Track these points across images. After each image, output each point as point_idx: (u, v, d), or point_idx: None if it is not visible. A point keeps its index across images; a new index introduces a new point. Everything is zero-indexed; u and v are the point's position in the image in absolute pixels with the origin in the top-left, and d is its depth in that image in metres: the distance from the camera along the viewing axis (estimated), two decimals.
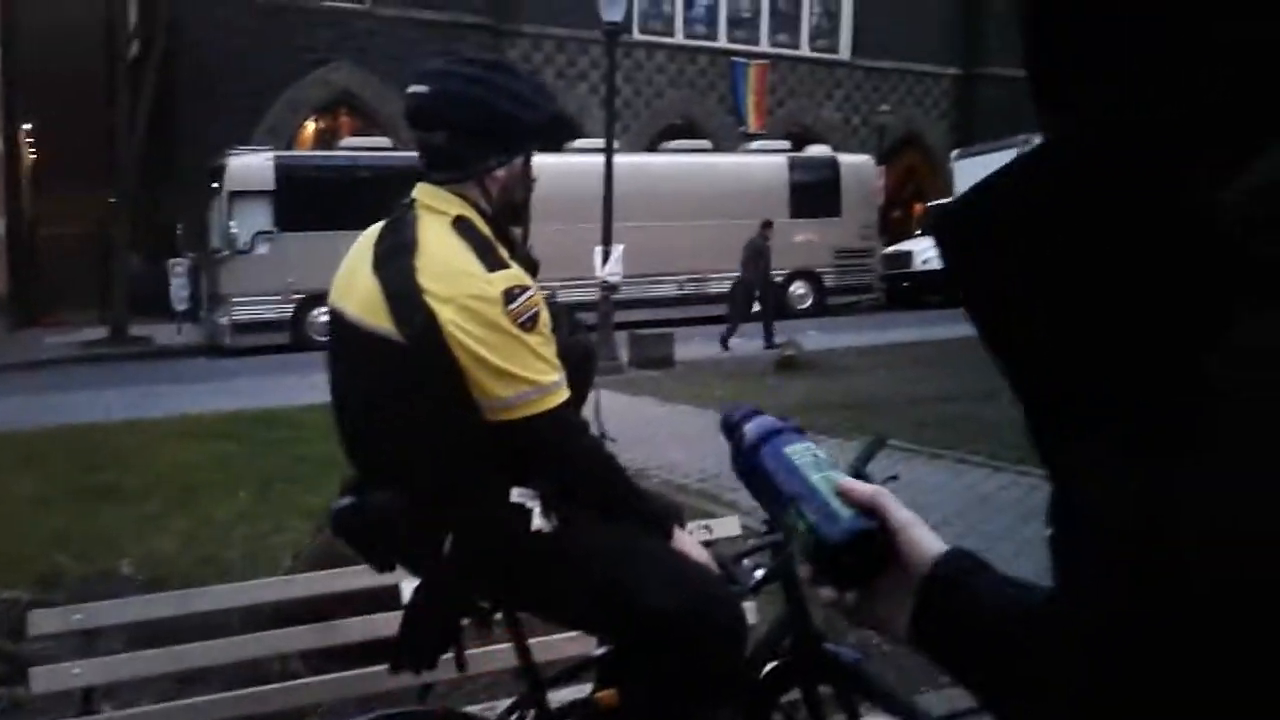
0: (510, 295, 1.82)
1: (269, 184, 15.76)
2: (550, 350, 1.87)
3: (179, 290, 17.45)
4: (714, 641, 1.88)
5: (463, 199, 1.94)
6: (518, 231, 2.06)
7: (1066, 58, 0.51)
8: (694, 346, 13.67)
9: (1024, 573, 0.72)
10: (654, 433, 8.29)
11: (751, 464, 0.88)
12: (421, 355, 1.80)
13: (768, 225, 15.82)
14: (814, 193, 19.95)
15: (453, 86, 1.93)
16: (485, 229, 1.92)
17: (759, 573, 2.12)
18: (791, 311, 19.46)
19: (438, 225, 1.89)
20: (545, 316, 1.87)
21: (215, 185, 16.03)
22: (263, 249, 15.74)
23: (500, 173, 1.97)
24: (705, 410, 9.20)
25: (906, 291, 21.10)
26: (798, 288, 20.11)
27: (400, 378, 1.84)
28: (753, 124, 25.03)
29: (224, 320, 15.88)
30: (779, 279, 19.80)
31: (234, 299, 15.71)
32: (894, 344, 13.97)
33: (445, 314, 1.80)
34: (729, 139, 23.91)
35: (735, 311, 15.10)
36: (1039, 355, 0.52)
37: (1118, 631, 0.46)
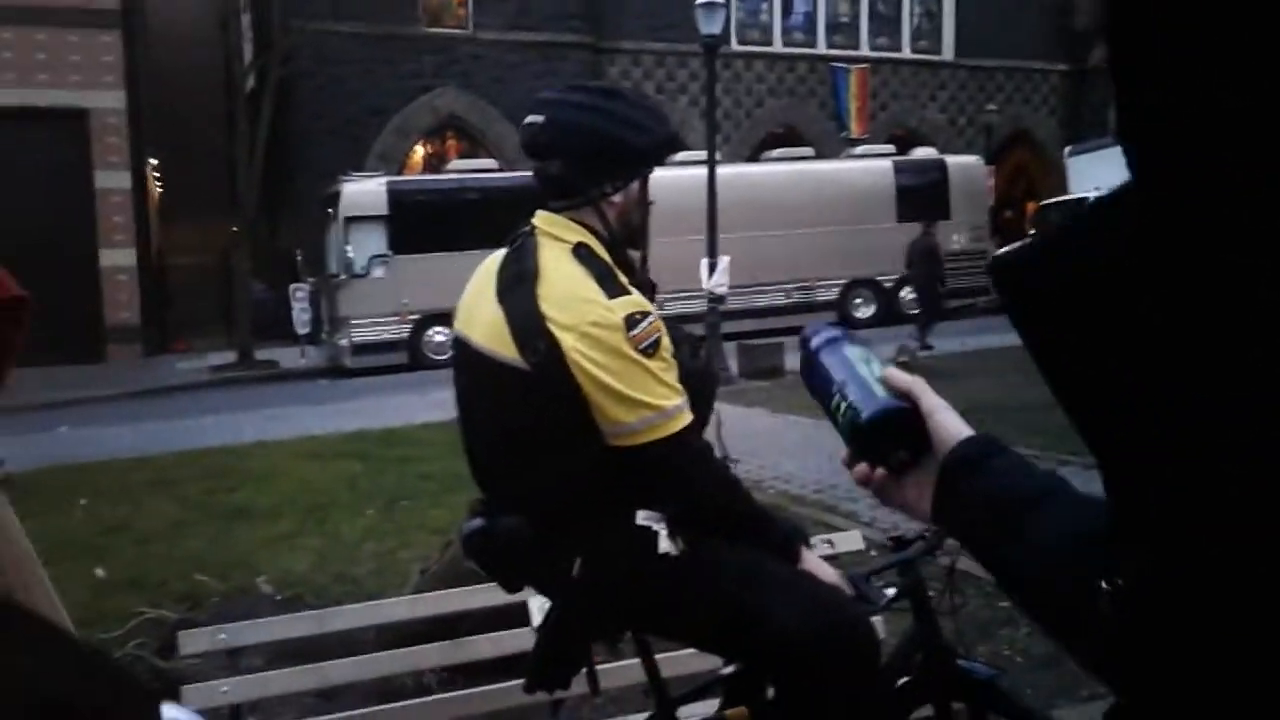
0: (632, 321, 1.84)
1: (382, 209, 16.19)
2: (672, 375, 1.89)
3: (301, 314, 18.02)
4: (845, 662, 1.87)
5: (582, 225, 1.98)
6: (636, 255, 2.09)
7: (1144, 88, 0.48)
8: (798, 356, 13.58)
9: None
10: (767, 444, 8.28)
11: (812, 364, 0.99)
12: (546, 382, 1.84)
13: (931, 224, 15.67)
14: (921, 195, 19.63)
15: (566, 115, 1.97)
16: (605, 255, 1.95)
17: (890, 591, 2.11)
18: (903, 317, 19.20)
19: (558, 253, 1.93)
20: (666, 341, 1.90)
21: (330, 211, 16.54)
22: (378, 272, 16.17)
23: (617, 198, 2.01)
24: (817, 420, 9.12)
25: None
26: (909, 292, 19.80)
27: (525, 405, 1.89)
28: (855, 129, 24.80)
29: (344, 342, 16.36)
30: (888, 284, 19.57)
31: (352, 321, 16.17)
32: (1006, 348, 13.65)
33: (568, 341, 1.83)
34: (831, 145, 23.72)
35: (926, 310, 15.15)
36: (1113, 408, 0.52)
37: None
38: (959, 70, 27.29)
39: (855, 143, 22.77)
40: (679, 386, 1.90)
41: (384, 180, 16.74)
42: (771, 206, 18.08)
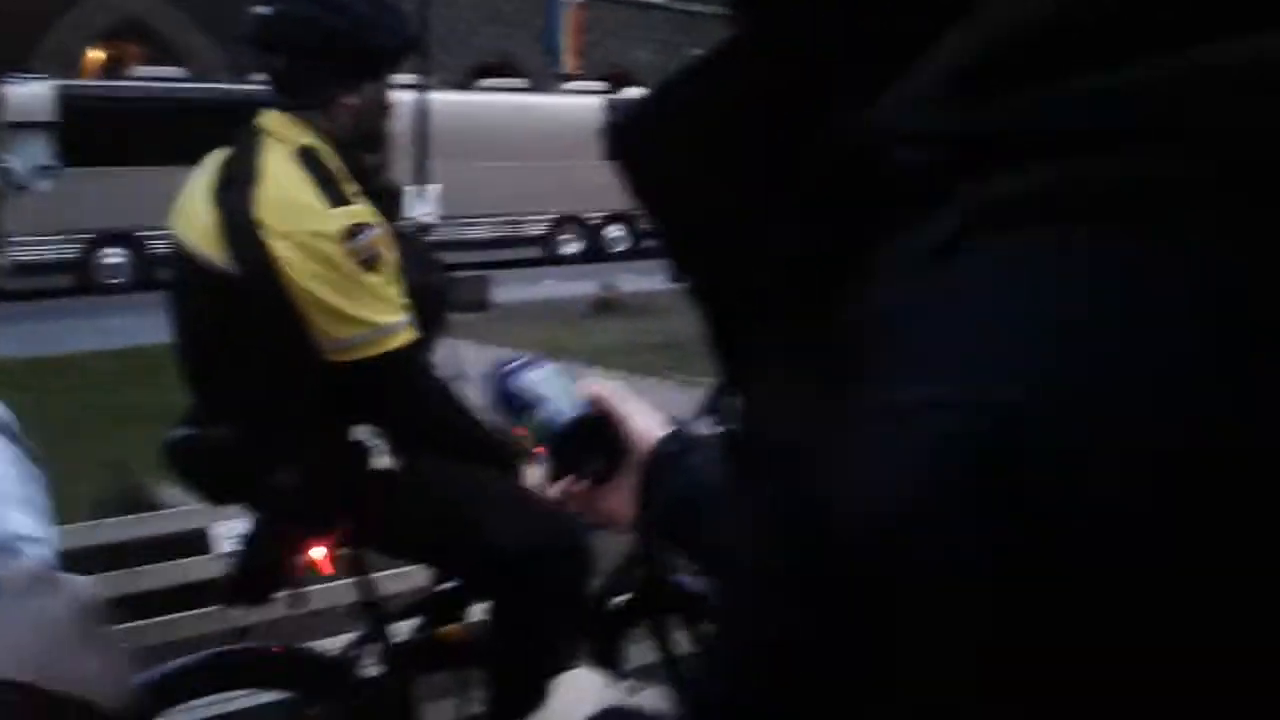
0: (349, 233, 1.76)
1: (51, 115, 14.63)
2: (394, 291, 1.83)
3: None
4: (557, 576, 1.91)
5: (312, 127, 1.87)
6: (378, 162, 2.03)
7: None
8: (510, 289, 13.55)
9: None
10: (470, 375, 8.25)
11: (504, 391, 0.96)
12: (257, 291, 1.75)
13: None
14: None
15: (297, 8, 1.86)
16: (334, 161, 1.85)
17: None
18: (608, 255, 19.57)
19: (282, 155, 1.82)
20: (390, 255, 1.82)
21: None
22: (44, 185, 14.64)
23: (351, 100, 1.90)
24: (520, 353, 9.15)
25: None
26: (613, 230, 20.22)
27: (235, 311, 1.80)
28: (569, 64, 24.82)
29: (3, 262, 14.74)
30: (594, 221, 19.86)
31: (12, 238, 14.59)
32: None
33: (281, 249, 1.74)
34: (545, 81, 23.68)
35: None
36: (716, 271, 0.46)
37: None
38: (671, 13, 27.87)
39: (569, 78, 22.80)
40: (401, 302, 1.84)
41: (53, 83, 15.10)
42: (485, 138, 17.84)
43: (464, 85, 21.01)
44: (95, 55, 20.59)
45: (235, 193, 1.79)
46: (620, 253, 19.86)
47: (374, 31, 1.89)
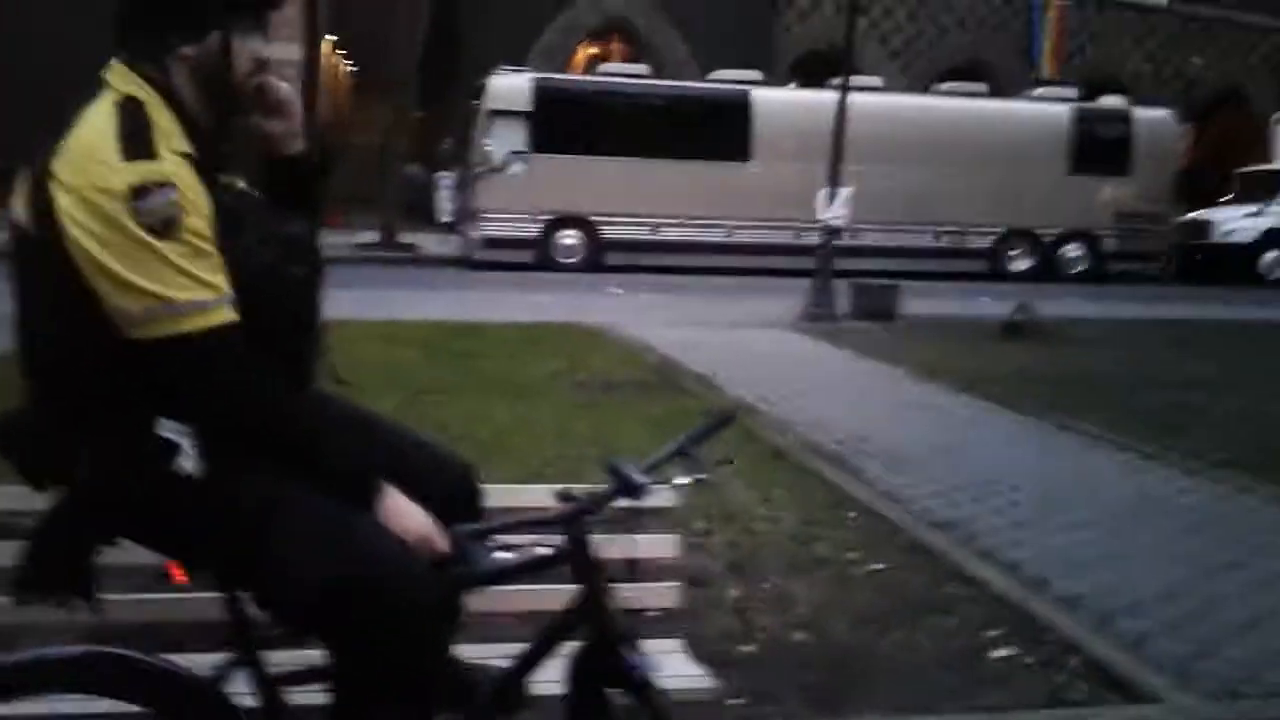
0: (139, 191, 1.55)
1: (526, 104, 16.14)
2: (202, 264, 1.60)
3: (444, 202, 18.31)
4: (378, 626, 1.63)
5: (146, 79, 1.69)
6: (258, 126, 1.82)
7: None
8: (930, 302, 12.90)
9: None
10: (819, 385, 7.88)
11: None
12: (45, 251, 1.59)
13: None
14: (1100, 147, 18.24)
15: None
16: (162, 115, 1.66)
17: (504, 555, 1.82)
18: (1063, 275, 18.06)
19: (104, 106, 1.65)
20: (193, 222, 1.59)
21: (476, 103, 16.59)
22: (515, 168, 16.18)
23: (189, 50, 1.71)
24: (894, 369, 8.67)
25: (1200, 264, 19.06)
26: (1071, 249, 18.58)
27: (31, 276, 1.65)
28: (1048, 69, 23.18)
29: (475, 235, 16.53)
30: (1049, 238, 18.37)
31: (485, 214, 16.29)
32: (1154, 320, 12.64)
33: (63, 204, 1.57)
34: (1020, 86, 22.28)
35: None
36: None
37: None
38: (1170, 17, 25.05)
39: (1042, 83, 21.27)
40: (212, 279, 1.61)
41: (531, 76, 16.65)
42: (925, 142, 17.10)
43: (927, 90, 20.27)
44: (585, 52, 22.45)
45: (48, 144, 1.62)
46: (1076, 275, 18.24)
47: None
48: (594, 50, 22.50)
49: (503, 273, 15.56)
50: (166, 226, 1.56)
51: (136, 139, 1.59)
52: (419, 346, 8.64)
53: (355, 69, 31.46)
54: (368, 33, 25.69)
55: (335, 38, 24.70)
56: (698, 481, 2.00)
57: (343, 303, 9.14)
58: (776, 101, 17.07)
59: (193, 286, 1.59)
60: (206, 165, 1.70)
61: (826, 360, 9.24)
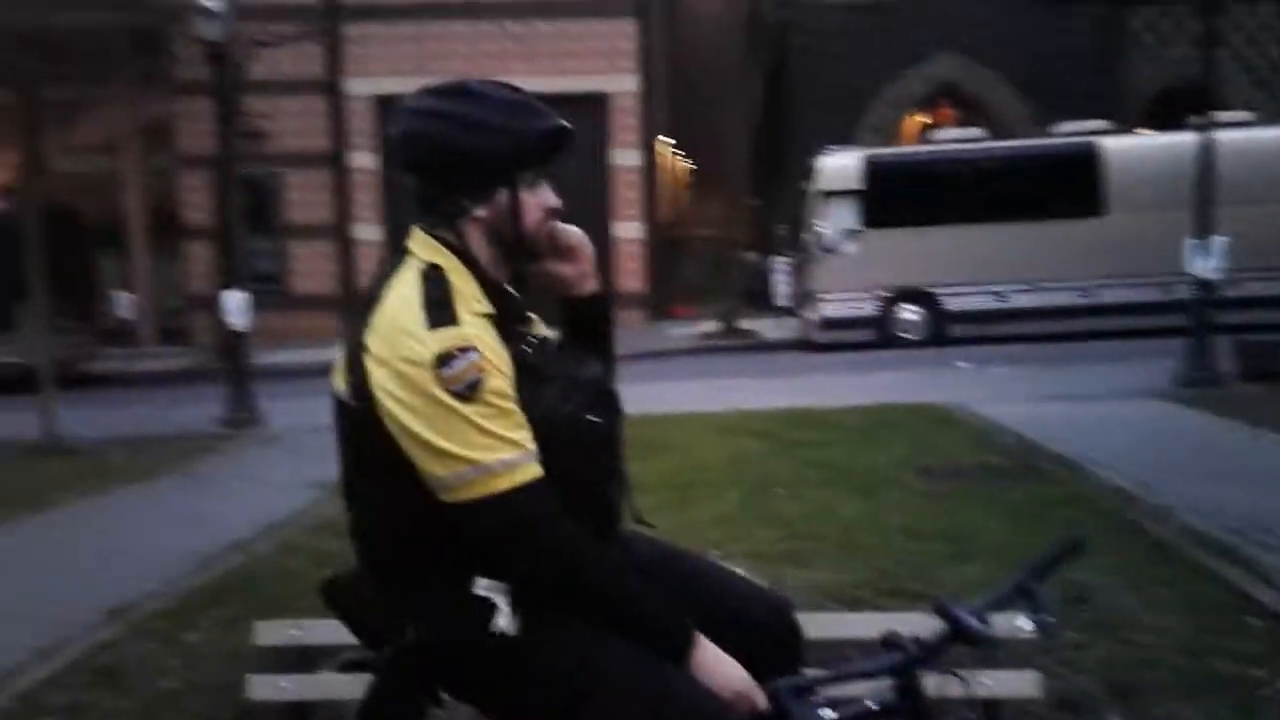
0: (444, 359, 1.60)
1: (857, 182, 16.00)
2: (504, 423, 1.63)
3: (780, 287, 18.44)
4: None
5: (444, 245, 1.76)
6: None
7: None
8: None
9: None
10: (1204, 464, 7.01)
11: None
12: (365, 422, 1.66)
13: None
14: None
15: (411, 125, 1.76)
16: (462, 279, 1.72)
17: (828, 713, 1.63)
18: None
19: (409, 275, 1.72)
20: (498, 383, 1.63)
21: (807, 185, 16.66)
22: (849, 246, 16.04)
23: (481, 212, 1.76)
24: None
25: None
26: None
27: (352, 444, 1.73)
28: None
29: (813, 316, 16.48)
30: None
31: (821, 295, 16.22)
32: None
33: (378, 377, 1.64)
34: None
35: None
36: None
37: None
38: None
39: None
40: (515, 436, 1.64)
41: (860, 153, 16.51)
42: None
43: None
44: (914, 122, 22.04)
45: (360, 316, 1.71)
46: None
47: (492, 136, 1.71)
48: (924, 119, 22.05)
49: (843, 353, 15.37)
50: (471, 390, 1.61)
51: (439, 307, 1.66)
52: (760, 437, 8.62)
53: (693, 166, 32.79)
54: (703, 131, 26.75)
55: (672, 141, 25.86)
56: (1043, 628, 1.75)
57: (686, 395, 9.45)
58: (1129, 149, 15.88)
59: (498, 446, 1.62)
60: (506, 319, 1.75)
61: (1211, 433, 8.27)
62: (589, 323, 1.97)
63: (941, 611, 1.66)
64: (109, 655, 4.35)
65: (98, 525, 6.91)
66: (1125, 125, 17.45)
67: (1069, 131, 16.29)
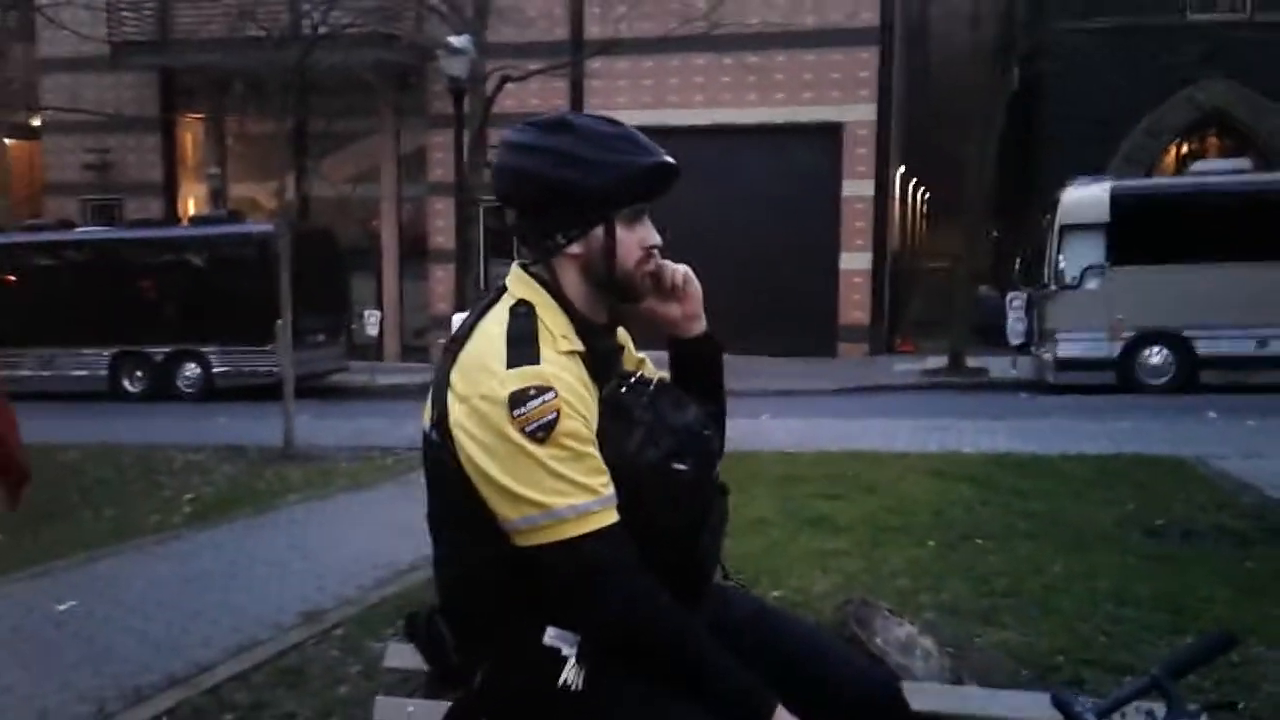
0: (519, 398, 1.55)
1: (1103, 216, 15.03)
2: (579, 467, 1.56)
3: (1015, 323, 17.54)
4: None
5: (536, 281, 1.72)
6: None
7: None
8: None
9: None
10: None
11: None
12: (444, 460, 1.63)
13: None
14: None
15: (510, 160, 1.72)
16: (552, 316, 1.67)
17: None
18: None
19: (499, 311, 1.69)
20: (570, 425, 1.56)
21: (1049, 218, 15.82)
22: (1091, 284, 15.09)
23: (575, 249, 1.70)
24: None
25: None
26: None
27: (436, 482, 1.69)
28: None
29: (1048, 356, 15.59)
30: None
31: (1059, 334, 15.32)
32: None
33: (456, 414, 1.60)
34: None
35: None
36: None
37: None
38: None
39: None
40: (589, 483, 1.56)
41: (1108, 184, 15.49)
42: None
43: None
44: (1177, 151, 20.58)
45: (449, 351, 1.69)
46: None
47: (588, 171, 1.64)
48: (1187, 149, 20.54)
49: (1079, 396, 14.46)
50: (545, 431, 1.56)
51: (522, 344, 1.62)
52: (973, 483, 8.19)
53: (929, 195, 31.94)
54: (941, 158, 26.00)
55: (905, 168, 25.26)
56: None
57: (902, 434, 9.14)
58: None
59: (571, 491, 1.56)
60: (599, 359, 1.69)
61: None
62: (697, 365, 1.91)
63: (1060, 705, 1.49)
64: (296, 657, 4.58)
65: (312, 529, 7.35)
66: None
67: None
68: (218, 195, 22.82)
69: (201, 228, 18.09)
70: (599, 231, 1.71)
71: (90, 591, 5.74)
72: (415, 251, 21.83)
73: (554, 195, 1.69)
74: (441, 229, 20.78)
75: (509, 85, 15.47)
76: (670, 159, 1.75)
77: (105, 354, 17.33)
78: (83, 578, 6.08)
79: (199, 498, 8.48)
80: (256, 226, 17.30)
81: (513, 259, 1.90)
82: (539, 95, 19.24)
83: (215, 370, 17.15)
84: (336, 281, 18.61)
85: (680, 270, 1.86)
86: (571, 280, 1.73)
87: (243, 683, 4.27)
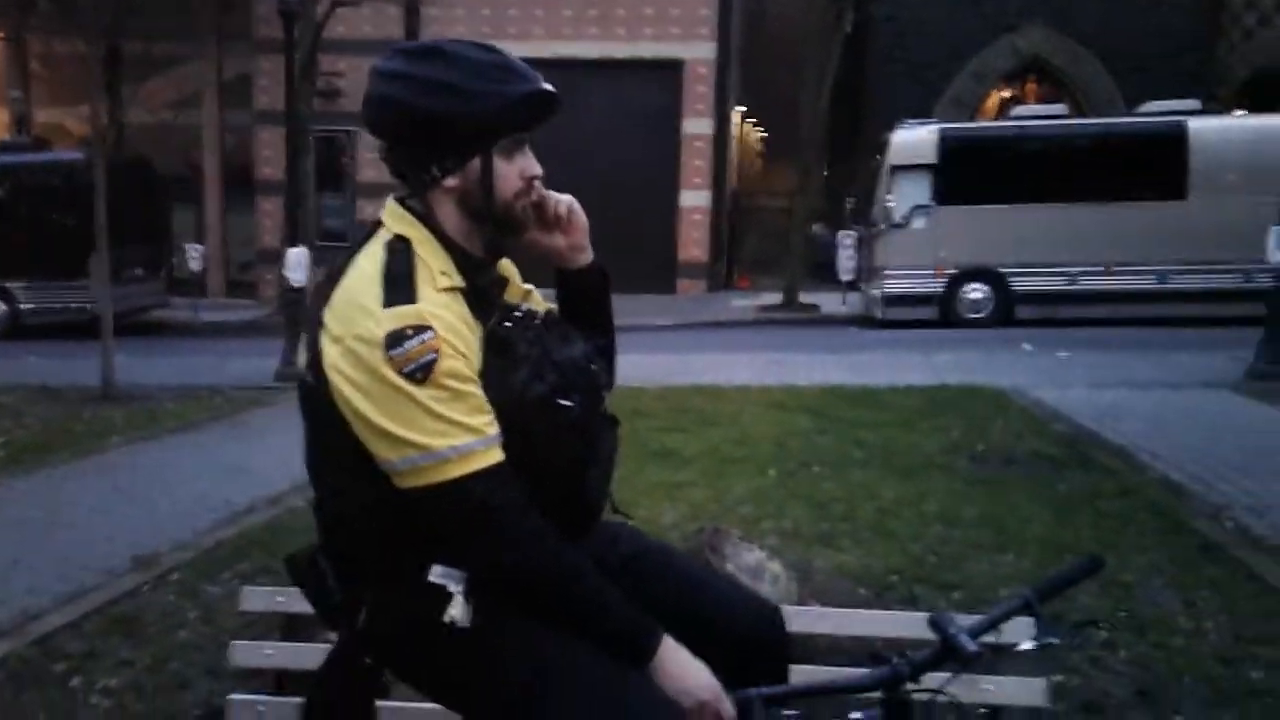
0: (395, 338, 1.50)
1: (931, 157, 15.60)
2: (460, 407, 1.53)
3: (845, 261, 18.12)
4: None
5: (413, 215, 1.66)
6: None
7: None
8: None
9: None
10: (1268, 461, 6.66)
11: None
12: (319, 400, 1.58)
13: None
14: None
15: (378, 89, 1.65)
16: (430, 251, 1.62)
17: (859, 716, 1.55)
18: None
19: (374, 248, 1.63)
20: (450, 364, 1.52)
21: (879, 158, 16.31)
22: (918, 223, 15.67)
23: (451, 181, 1.65)
24: None
25: None
26: None
27: (312, 424, 1.65)
28: None
29: (877, 292, 16.18)
30: None
31: (887, 271, 15.90)
32: None
33: (331, 355, 1.55)
34: None
35: None
36: None
37: None
38: None
39: None
40: (471, 422, 1.53)
41: (935, 127, 16.07)
42: None
43: None
44: (998, 96, 21.44)
45: (324, 291, 1.63)
46: None
47: (461, 100, 1.59)
48: (1007, 94, 21.43)
49: (905, 331, 15.07)
50: (423, 371, 1.51)
51: (397, 283, 1.57)
52: (810, 414, 8.46)
53: (765, 134, 32.42)
54: (776, 99, 26.40)
55: (744, 108, 25.53)
56: (1047, 648, 1.62)
57: (740, 368, 9.33)
58: (1219, 131, 15.23)
59: (452, 432, 1.53)
60: (481, 294, 1.65)
61: (1278, 429, 7.93)
62: (585, 297, 1.87)
63: (936, 626, 1.55)
64: (130, 604, 4.39)
65: (139, 472, 7.01)
66: (1217, 107, 16.80)
67: (1156, 111, 15.71)
68: (21, 121, 21.23)
69: (2, 155, 16.81)
70: (476, 163, 1.65)
71: None
72: (240, 182, 20.87)
73: (427, 126, 1.62)
74: (269, 159, 19.91)
75: (340, 10, 14.86)
76: (549, 86, 1.69)
77: None
78: None
79: (11, 441, 7.98)
80: (66, 154, 16.24)
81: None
82: (372, 22, 18.55)
83: (22, 306, 16.10)
84: (155, 213, 17.64)
85: (564, 200, 1.81)
86: (449, 214, 1.67)
87: (74, 631, 4.07)
